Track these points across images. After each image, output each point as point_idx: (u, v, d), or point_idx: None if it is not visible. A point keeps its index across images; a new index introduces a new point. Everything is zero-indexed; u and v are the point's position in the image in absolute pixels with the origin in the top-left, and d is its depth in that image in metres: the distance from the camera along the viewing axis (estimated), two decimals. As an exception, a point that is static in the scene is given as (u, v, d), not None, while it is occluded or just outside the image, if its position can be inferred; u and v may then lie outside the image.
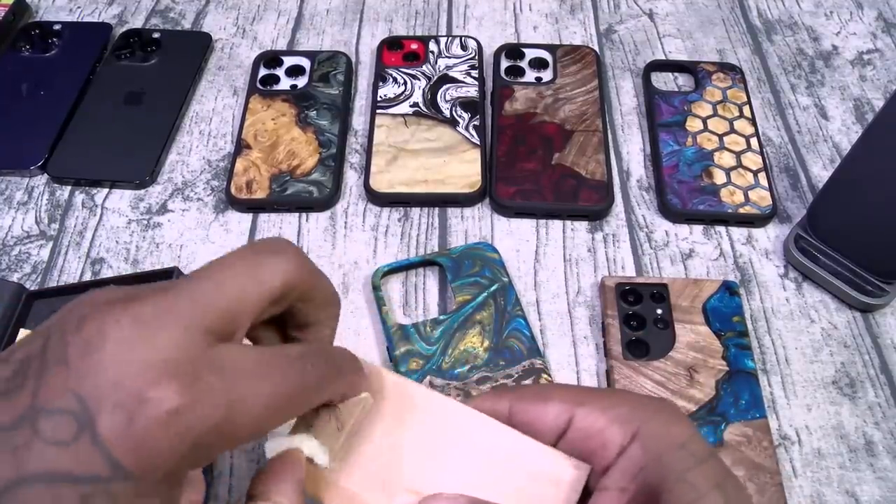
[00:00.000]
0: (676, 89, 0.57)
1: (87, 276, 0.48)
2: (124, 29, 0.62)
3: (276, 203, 0.50)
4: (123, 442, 0.18)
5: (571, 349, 0.44)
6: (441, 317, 0.44)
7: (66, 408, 0.18)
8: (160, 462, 0.19)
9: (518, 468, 0.26)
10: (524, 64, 0.58)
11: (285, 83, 0.57)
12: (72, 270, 0.48)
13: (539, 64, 0.58)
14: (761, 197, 0.50)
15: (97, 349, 0.19)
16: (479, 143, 0.52)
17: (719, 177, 0.51)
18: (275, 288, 0.23)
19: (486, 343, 0.43)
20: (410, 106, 0.55)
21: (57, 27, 0.61)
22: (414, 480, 0.26)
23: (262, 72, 0.58)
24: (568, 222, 0.50)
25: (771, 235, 0.49)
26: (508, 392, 0.27)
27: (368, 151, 0.52)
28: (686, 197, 0.50)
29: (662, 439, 0.23)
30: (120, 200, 0.52)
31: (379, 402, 0.27)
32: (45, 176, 0.53)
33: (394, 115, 0.54)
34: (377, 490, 0.26)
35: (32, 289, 0.46)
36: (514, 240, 0.49)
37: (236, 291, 0.22)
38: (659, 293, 0.44)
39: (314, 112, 0.55)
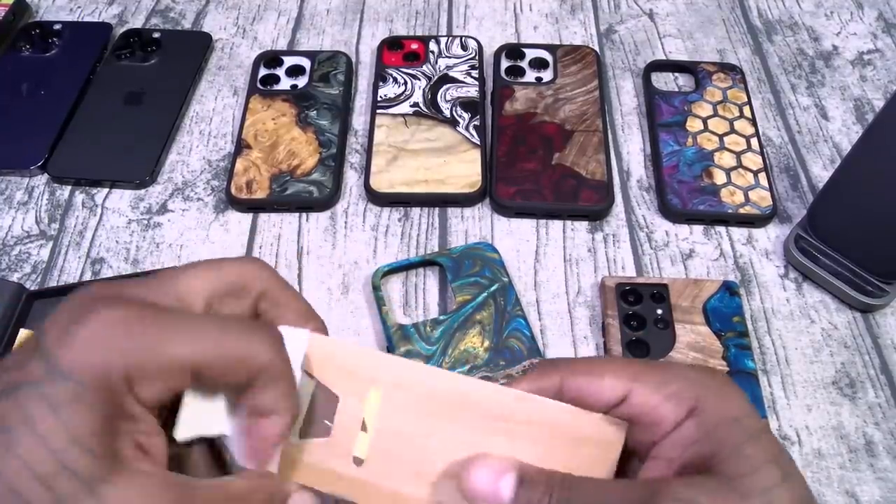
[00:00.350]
0: (676, 89, 0.57)
1: (88, 276, 0.48)
2: (124, 29, 0.62)
3: (276, 203, 0.50)
4: (61, 345, 0.21)
5: (571, 349, 0.44)
6: (441, 317, 0.44)
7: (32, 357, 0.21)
8: (96, 363, 0.21)
9: (553, 434, 0.25)
10: (524, 64, 0.58)
11: (285, 83, 0.57)
12: (72, 270, 0.48)
13: (539, 64, 0.58)
14: (761, 197, 0.50)
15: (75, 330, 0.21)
16: (479, 143, 0.52)
17: (719, 177, 0.51)
18: (231, 273, 0.25)
19: (487, 343, 0.43)
20: (410, 106, 0.55)
21: (57, 27, 0.61)
22: (448, 463, 0.25)
23: (263, 72, 0.58)
24: (568, 222, 0.50)
25: (771, 235, 0.49)
26: (558, 369, 0.26)
27: (368, 151, 0.52)
28: (686, 197, 0.50)
29: (717, 413, 0.23)
30: (120, 200, 0.52)
31: (392, 392, 0.26)
32: (46, 176, 0.53)
33: (394, 115, 0.54)
34: (413, 482, 0.26)
35: (32, 289, 0.46)
36: (514, 240, 0.49)
37: (193, 274, 0.25)
38: (659, 293, 0.44)
39: (314, 112, 0.55)
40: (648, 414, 0.25)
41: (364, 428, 0.26)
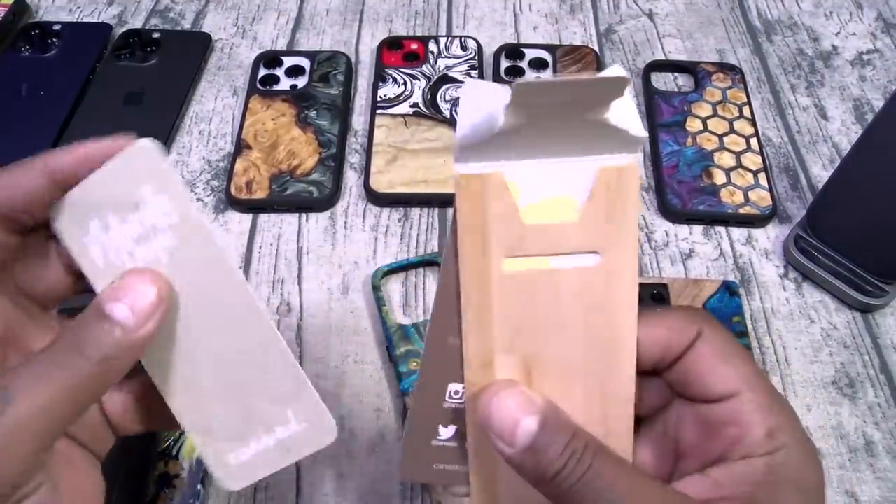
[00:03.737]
0: (676, 89, 0.57)
1: (87, 276, 0.48)
2: (124, 29, 0.62)
3: (276, 203, 0.50)
4: None
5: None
6: (441, 317, 0.44)
7: None
8: None
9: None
10: (524, 64, 0.58)
11: (285, 83, 0.57)
12: (72, 270, 0.48)
13: (539, 64, 0.58)
14: (761, 197, 0.50)
15: None
16: (478, 143, 0.52)
17: (719, 177, 0.51)
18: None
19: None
20: (410, 106, 0.55)
21: (57, 27, 0.61)
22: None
23: (262, 72, 0.58)
24: (568, 222, 0.50)
25: (771, 236, 0.49)
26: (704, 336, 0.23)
27: (368, 151, 0.52)
28: (686, 197, 0.50)
29: (791, 472, 0.22)
30: (120, 200, 0.52)
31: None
32: (45, 176, 0.53)
33: (394, 115, 0.54)
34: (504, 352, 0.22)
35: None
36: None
37: None
38: (659, 293, 0.44)
39: (314, 112, 0.55)
40: (736, 422, 0.22)
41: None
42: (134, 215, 0.23)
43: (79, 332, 0.21)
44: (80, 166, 0.23)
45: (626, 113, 0.19)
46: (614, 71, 0.19)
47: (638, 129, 0.20)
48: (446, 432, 0.24)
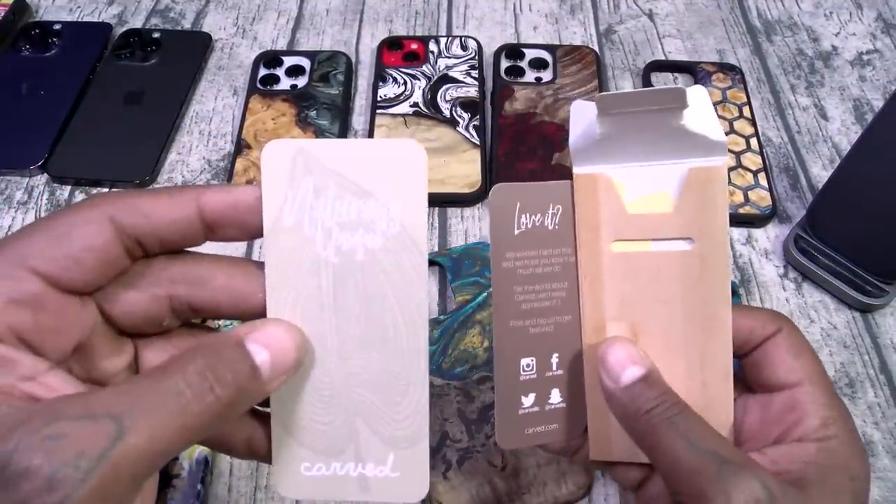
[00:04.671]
0: (676, 89, 0.57)
1: (87, 276, 0.48)
2: (124, 29, 0.62)
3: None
4: None
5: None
6: (441, 317, 0.44)
7: None
8: None
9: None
10: (524, 64, 0.58)
11: (285, 83, 0.57)
12: (72, 270, 0.48)
13: (539, 64, 0.58)
14: (761, 197, 0.50)
15: None
16: (479, 143, 0.52)
17: (719, 177, 0.51)
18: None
19: (486, 343, 0.43)
20: (410, 106, 0.55)
21: (57, 27, 0.61)
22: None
23: (262, 72, 0.58)
24: (568, 222, 0.50)
25: (771, 235, 0.49)
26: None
27: (368, 151, 0.52)
28: (686, 197, 0.50)
29: (840, 459, 0.23)
30: (120, 200, 0.52)
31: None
32: (45, 175, 0.53)
33: (394, 115, 0.54)
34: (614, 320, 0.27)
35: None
36: (514, 240, 0.49)
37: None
38: (659, 293, 0.44)
39: (314, 112, 0.55)
40: (795, 411, 0.25)
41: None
42: (358, 201, 0.23)
43: (213, 362, 0.20)
44: (231, 211, 0.22)
45: (707, 120, 0.24)
46: (694, 91, 0.24)
47: (718, 134, 0.24)
48: (528, 401, 0.27)
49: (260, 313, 0.23)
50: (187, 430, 0.19)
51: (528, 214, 0.26)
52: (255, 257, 0.48)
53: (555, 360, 0.27)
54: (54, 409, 0.18)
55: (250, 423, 0.25)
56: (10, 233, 0.50)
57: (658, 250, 0.25)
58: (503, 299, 0.26)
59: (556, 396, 0.28)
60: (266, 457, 0.25)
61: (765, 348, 0.26)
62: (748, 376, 0.27)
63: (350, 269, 0.23)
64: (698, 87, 0.24)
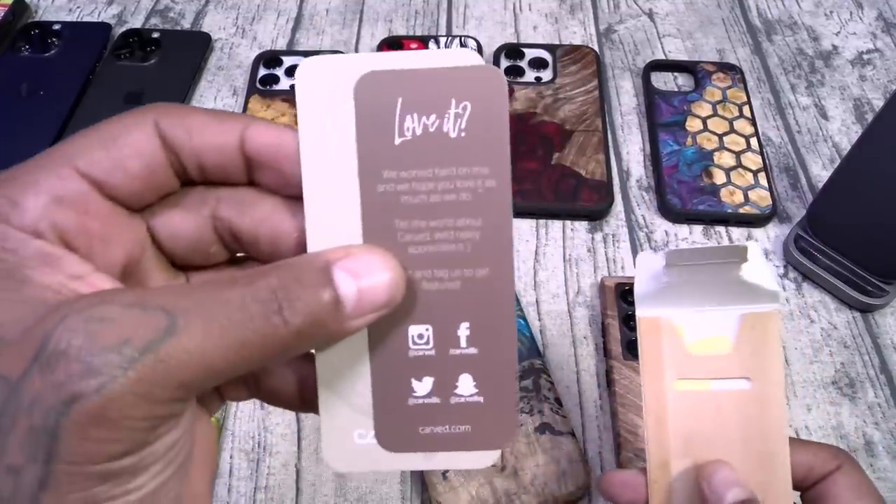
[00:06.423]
0: (676, 89, 0.57)
1: (87, 277, 0.48)
2: (124, 29, 0.62)
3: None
4: None
5: (571, 349, 0.44)
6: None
7: None
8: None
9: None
10: (524, 64, 0.58)
11: (285, 83, 0.57)
12: (71, 270, 0.48)
13: (539, 64, 0.58)
14: (761, 197, 0.50)
15: None
16: (478, 143, 0.52)
17: (719, 177, 0.51)
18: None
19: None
20: (410, 106, 0.55)
21: (56, 27, 0.61)
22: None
23: (262, 72, 0.58)
24: (568, 222, 0.50)
25: (771, 235, 0.49)
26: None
27: (368, 151, 0.52)
28: (686, 197, 0.50)
29: None
30: (120, 200, 0.52)
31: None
32: (45, 176, 0.53)
33: (393, 115, 0.54)
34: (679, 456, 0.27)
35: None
36: (514, 240, 0.49)
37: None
38: (659, 293, 0.44)
39: (314, 112, 0.55)
40: (813, 471, 0.27)
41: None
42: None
43: (288, 282, 0.17)
44: (273, 151, 0.20)
45: (762, 271, 0.26)
46: (752, 247, 0.26)
47: (772, 284, 0.26)
48: (422, 387, 0.21)
49: (296, 254, 0.21)
50: (246, 348, 0.17)
51: (415, 114, 0.19)
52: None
53: (464, 331, 0.20)
54: (103, 295, 0.17)
55: (306, 366, 0.21)
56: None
57: (718, 389, 0.27)
58: (378, 238, 0.20)
59: (466, 385, 0.21)
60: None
61: (826, 484, 0.27)
62: None
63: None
64: (753, 242, 0.26)
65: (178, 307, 0.16)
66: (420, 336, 0.20)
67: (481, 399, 0.21)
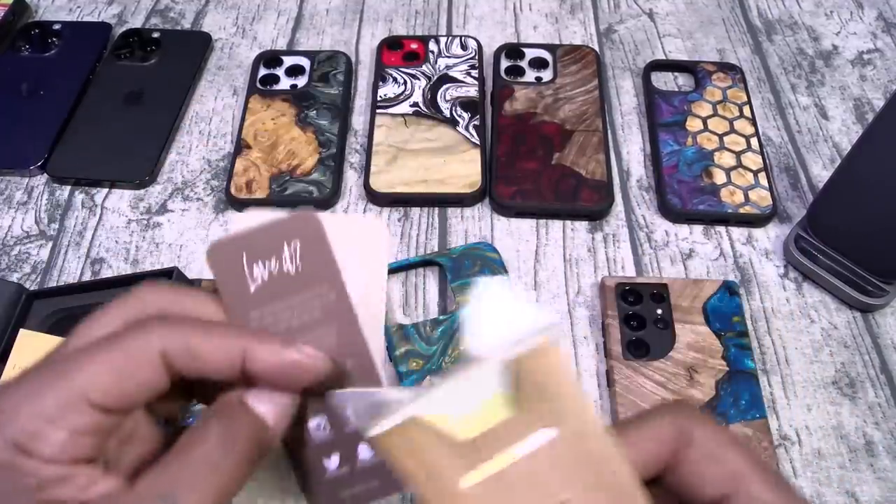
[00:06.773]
0: (676, 89, 0.57)
1: (87, 276, 0.48)
2: (124, 29, 0.62)
3: (276, 203, 0.50)
4: None
5: (571, 349, 0.44)
6: (441, 317, 0.44)
7: None
8: None
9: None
10: (524, 64, 0.58)
11: (285, 83, 0.57)
12: (71, 270, 0.48)
13: (539, 64, 0.58)
14: (761, 197, 0.50)
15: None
16: (478, 143, 0.52)
17: (719, 177, 0.51)
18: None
19: (486, 343, 0.42)
20: (410, 106, 0.55)
21: (56, 27, 0.61)
22: None
23: (262, 71, 0.58)
24: (568, 222, 0.50)
25: (771, 235, 0.49)
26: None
27: (368, 151, 0.52)
28: (686, 197, 0.50)
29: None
30: (120, 200, 0.52)
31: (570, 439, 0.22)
32: (45, 176, 0.53)
33: (394, 115, 0.54)
34: None
35: (32, 289, 0.46)
36: (514, 240, 0.49)
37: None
38: (659, 293, 0.44)
39: (314, 112, 0.55)
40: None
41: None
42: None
43: (229, 427, 0.22)
44: (277, 372, 0.23)
45: (503, 312, 0.21)
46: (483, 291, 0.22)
47: (527, 319, 0.21)
48: (332, 462, 0.25)
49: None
50: (224, 488, 0.22)
51: (260, 263, 0.24)
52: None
53: (350, 412, 0.22)
54: None
55: None
56: (9, 233, 0.50)
57: (523, 453, 0.21)
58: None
59: (365, 452, 0.25)
60: None
61: (680, 467, 0.22)
62: (680, 497, 0.23)
63: None
64: (485, 283, 0.22)
65: (178, 490, 0.21)
66: (319, 426, 0.25)
67: (379, 458, 0.25)
